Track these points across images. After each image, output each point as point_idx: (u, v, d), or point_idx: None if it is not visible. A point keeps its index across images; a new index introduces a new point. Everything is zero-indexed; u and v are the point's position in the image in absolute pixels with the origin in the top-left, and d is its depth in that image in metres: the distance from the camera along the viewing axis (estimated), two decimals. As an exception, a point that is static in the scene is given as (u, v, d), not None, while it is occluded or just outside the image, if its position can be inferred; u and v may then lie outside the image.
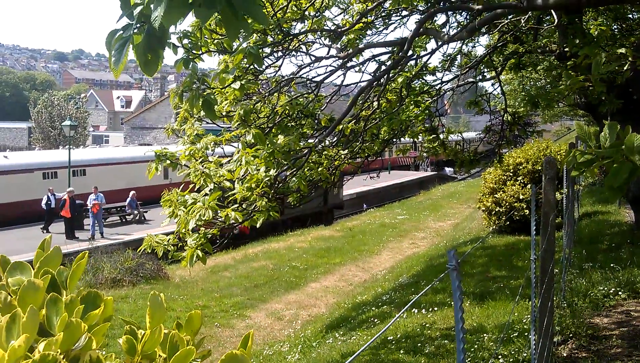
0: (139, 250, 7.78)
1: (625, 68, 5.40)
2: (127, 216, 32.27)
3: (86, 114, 77.99)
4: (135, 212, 32.21)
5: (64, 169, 33.93)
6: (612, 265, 10.34)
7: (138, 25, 2.42)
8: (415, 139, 13.23)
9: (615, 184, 3.32)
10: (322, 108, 10.53)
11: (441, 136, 12.00)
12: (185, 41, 6.25)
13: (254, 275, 20.06)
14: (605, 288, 9.14)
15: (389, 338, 9.39)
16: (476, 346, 7.86)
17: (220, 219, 6.84)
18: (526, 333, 7.45)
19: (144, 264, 19.09)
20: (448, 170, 64.73)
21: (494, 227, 18.67)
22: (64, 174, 33.79)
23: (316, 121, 10.25)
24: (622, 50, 5.26)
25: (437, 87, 12.10)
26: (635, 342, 7.15)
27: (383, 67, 10.03)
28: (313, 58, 9.33)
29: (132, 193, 32.45)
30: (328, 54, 9.49)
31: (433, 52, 9.73)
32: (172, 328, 1.78)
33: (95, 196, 27.88)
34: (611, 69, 5.21)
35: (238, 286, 18.65)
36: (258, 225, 6.92)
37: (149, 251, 7.40)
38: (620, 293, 9.00)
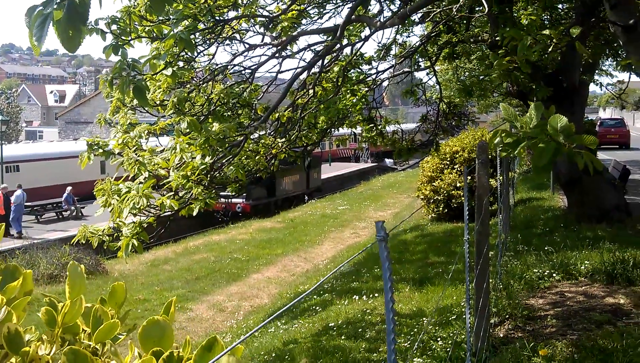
0: (72, 241, 7.63)
1: (549, 50, 5.54)
2: (63, 212, 31.56)
3: (18, 109, 75.88)
4: (72, 208, 31.54)
5: (-4, 165, 32.99)
6: (546, 248, 10.59)
7: (58, 1, 2.37)
8: (354, 130, 13.32)
9: (540, 164, 3.44)
10: (259, 98, 10.49)
11: (379, 126, 12.12)
12: (114, 27, 6.10)
13: (195, 268, 19.86)
14: (540, 271, 9.37)
15: (330, 324, 9.45)
16: (416, 329, 7.98)
17: (156, 207, 6.76)
18: (464, 316, 7.58)
19: (81, 259, 18.68)
20: (388, 161, 65.14)
21: (432, 215, 18.95)
22: (-4, 170, 32.85)
23: (253, 111, 10.21)
24: (547, 32, 5.40)
25: (374, 77, 12.20)
26: (569, 321, 7.35)
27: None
28: (247, 46, 9.28)
29: (68, 188, 31.74)
30: (262, 41, 9.44)
31: (367, 38, 9.80)
32: (96, 302, 1.75)
33: (19, 193, 27.28)
34: (537, 50, 5.34)
35: (179, 279, 18.45)
36: (195, 213, 6.87)
37: (83, 242, 7.27)
38: (554, 275, 9.23)
